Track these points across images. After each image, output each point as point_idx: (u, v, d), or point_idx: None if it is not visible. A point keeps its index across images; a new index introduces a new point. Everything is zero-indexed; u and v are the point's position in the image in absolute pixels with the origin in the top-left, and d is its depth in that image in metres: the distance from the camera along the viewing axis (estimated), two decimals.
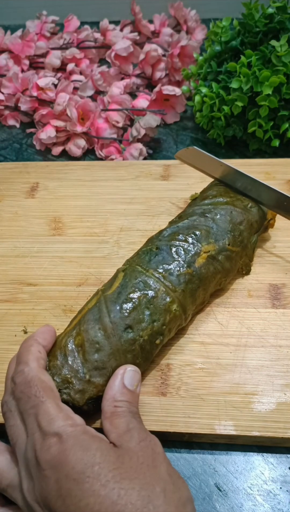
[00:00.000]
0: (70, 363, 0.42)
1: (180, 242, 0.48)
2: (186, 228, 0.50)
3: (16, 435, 0.37)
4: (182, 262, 0.47)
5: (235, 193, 0.54)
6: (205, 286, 0.48)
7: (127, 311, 0.44)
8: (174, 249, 0.48)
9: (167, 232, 0.50)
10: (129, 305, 0.44)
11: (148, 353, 0.44)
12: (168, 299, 0.45)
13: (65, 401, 0.40)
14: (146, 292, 0.45)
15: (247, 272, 0.53)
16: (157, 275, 0.46)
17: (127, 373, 0.41)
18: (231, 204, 0.52)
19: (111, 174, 0.66)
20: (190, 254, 0.48)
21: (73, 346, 0.43)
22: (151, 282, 0.46)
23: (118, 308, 0.44)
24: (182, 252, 0.48)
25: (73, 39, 0.87)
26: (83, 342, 0.43)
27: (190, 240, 0.49)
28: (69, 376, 0.41)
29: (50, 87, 0.75)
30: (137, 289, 0.45)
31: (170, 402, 0.45)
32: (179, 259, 0.47)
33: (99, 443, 0.35)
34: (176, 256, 0.48)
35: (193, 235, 0.49)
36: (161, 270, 0.47)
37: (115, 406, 0.38)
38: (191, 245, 0.48)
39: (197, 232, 0.49)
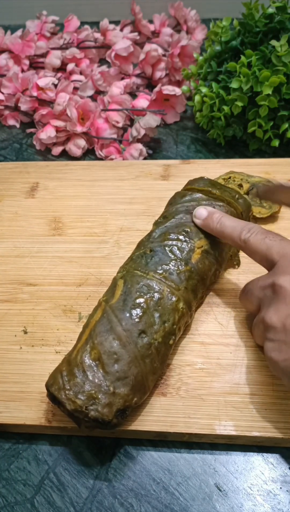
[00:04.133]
0: (91, 378, 0.41)
1: (173, 241, 0.49)
2: (175, 226, 0.50)
3: None
4: (179, 260, 0.47)
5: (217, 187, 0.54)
6: (204, 280, 0.49)
7: (138, 316, 0.44)
8: (168, 249, 0.48)
9: (157, 233, 0.50)
10: (138, 311, 0.44)
11: (163, 355, 0.44)
12: (174, 299, 0.45)
13: (94, 418, 0.40)
14: (151, 294, 0.45)
15: (238, 263, 0.54)
16: (158, 276, 0.46)
17: None
18: (213, 199, 0.52)
19: (111, 174, 0.66)
20: (185, 251, 0.48)
21: (90, 360, 0.42)
22: (154, 284, 0.46)
23: (127, 315, 0.44)
24: (177, 250, 0.48)
25: (73, 39, 0.87)
26: (100, 355, 0.42)
27: (182, 238, 0.49)
28: (93, 391, 0.40)
29: (50, 87, 0.75)
30: (142, 293, 0.45)
31: (170, 402, 0.45)
32: (176, 257, 0.48)
33: None
34: (172, 256, 0.48)
35: (184, 232, 0.49)
36: (160, 271, 0.47)
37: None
38: (184, 243, 0.49)
39: (187, 229, 0.50)
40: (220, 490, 0.42)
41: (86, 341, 0.43)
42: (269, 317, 0.41)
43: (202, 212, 0.50)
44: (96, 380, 0.41)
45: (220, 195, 0.52)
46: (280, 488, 0.42)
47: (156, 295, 0.45)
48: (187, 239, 0.49)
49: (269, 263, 0.44)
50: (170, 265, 0.47)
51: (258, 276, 0.45)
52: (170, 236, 0.49)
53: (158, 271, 0.47)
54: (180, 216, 0.51)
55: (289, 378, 0.39)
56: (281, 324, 0.40)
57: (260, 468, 0.43)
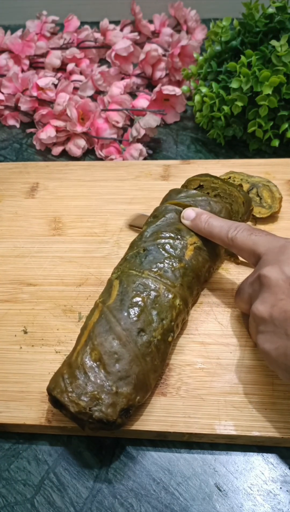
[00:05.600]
0: (92, 379, 0.41)
1: (166, 240, 0.49)
2: (166, 225, 0.50)
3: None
4: (173, 258, 0.48)
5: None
6: (198, 277, 0.49)
7: (136, 315, 0.44)
8: (161, 247, 0.48)
9: (148, 232, 0.50)
10: (135, 310, 0.44)
11: (163, 353, 0.44)
12: (170, 296, 0.46)
13: (98, 419, 0.40)
14: (148, 293, 0.45)
15: (237, 258, 0.55)
16: (153, 275, 0.46)
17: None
18: (209, 196, 0.53)
19: (111, 174, 0.66)
20: (178, 249, 0.48)
21: (91, 361, 0.42)
22: (150, 282, 0.46)
23: (125, 314, 0.44)
24: (170, 248, 0.48)
25: (73, 39, 0.87)
26: (100, 356, 0.42)
27: (174, 235, 0.49)
28: (96, 392, 0.40)
29: (50, 87, 0.75)
30: (138, 292, 0.45)
31: (170, 402, 0.45)
32: (169, 255, 0.48)
33: None
34: (165, 253, 0.48)
35: (175, 230, 0.50)
36: (155, 269, 0.47)
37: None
38: (177, 240, 0.49)
39: (178, 227, 0.50)
40: (220, 490, 0.42)
41: (85, 343, 0.43)
42: (256, 308, 0.41)
43: (190, 213, 0.50)
44: (98, 381, 0.41)
45: (221, 184, 0.53)
46: (280, 488, 0.42)
47: (153, 293, 0.45)
48: (179, 236, 0.49)
49: (256, 258, 0.45)
50: (164, 263, 0.47)
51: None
52: (162, 235, 0.49)
53: (153, 269, 0.47)
54: (170, 215, 0.51)
55: (283, 370, 0.39)
56: (268, 314, 0.40)
57: (260, 468, 0.43)
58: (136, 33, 0.86)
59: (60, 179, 0.67)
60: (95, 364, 0.42)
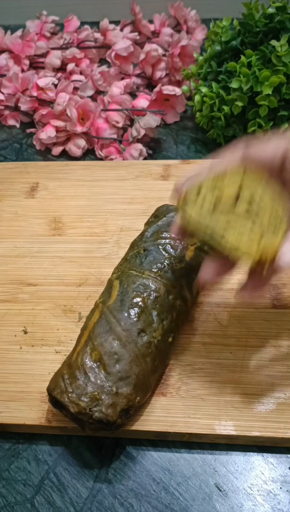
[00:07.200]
0: (93, 379, 0.41)
1: (166, 240, 0.49)
2: (167, 225, 0.50)
3: None
4: (173, 258, 0.48)
5: None
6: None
7: (136, 316, 0.44)
8: (162, 247, 0.49)
9: (149, 232, 0.51)
10: (136, 310, 0.44)
11: (163, 353, 0.45)
12: (170, 296, 0.46)
13: (98, 419, 0.40)
14: (148, 293, 0.45)
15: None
16: (153, 275, 0.46)
17: None
18: None
19: (111, 174, 0.66)
20: (179, 249, 0.49)
21: (91, 362, 0.42)
22: (150, 283, 0.46)
23: (126, 315, 0.44)
24: (171, 248, 0.48)
25: (73, 39, 0.87)
26: (100, 356, 0.42)
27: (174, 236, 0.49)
28: (96, 393, 0.40)
29: (50, 87, 0.75)
30: (139, 293, 0.45)
31: (170, 402, 0.45)
32: (170, 255, 0.48)
33: None
34: (166, 254, 0.48)
35: None
36: (156, 270, 0.47)
37: None
38: (177, 241, 0.49)
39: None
40: (220, 490, 0.42)
41: (85, 343, 0.43)
42: None
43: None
44: (98, 381, 0.41)
45: None
46: (280, 488, 0.42)
47: (153, 294, 0.45)
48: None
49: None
50: (164, 263, 0.47)
51: None
52: (163, 235, 0.49)
53: (153, 269, 0.47)
54: (172, 215, 0.51)
55: None
56: None
57: (260, 468, 0.43)
58: (136, 33, 0.86)
59: (60, 179, 0.67)
60: (95, 364, 0.42)
